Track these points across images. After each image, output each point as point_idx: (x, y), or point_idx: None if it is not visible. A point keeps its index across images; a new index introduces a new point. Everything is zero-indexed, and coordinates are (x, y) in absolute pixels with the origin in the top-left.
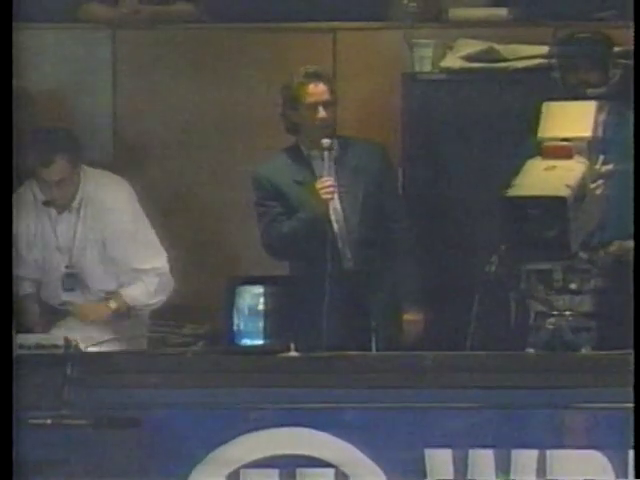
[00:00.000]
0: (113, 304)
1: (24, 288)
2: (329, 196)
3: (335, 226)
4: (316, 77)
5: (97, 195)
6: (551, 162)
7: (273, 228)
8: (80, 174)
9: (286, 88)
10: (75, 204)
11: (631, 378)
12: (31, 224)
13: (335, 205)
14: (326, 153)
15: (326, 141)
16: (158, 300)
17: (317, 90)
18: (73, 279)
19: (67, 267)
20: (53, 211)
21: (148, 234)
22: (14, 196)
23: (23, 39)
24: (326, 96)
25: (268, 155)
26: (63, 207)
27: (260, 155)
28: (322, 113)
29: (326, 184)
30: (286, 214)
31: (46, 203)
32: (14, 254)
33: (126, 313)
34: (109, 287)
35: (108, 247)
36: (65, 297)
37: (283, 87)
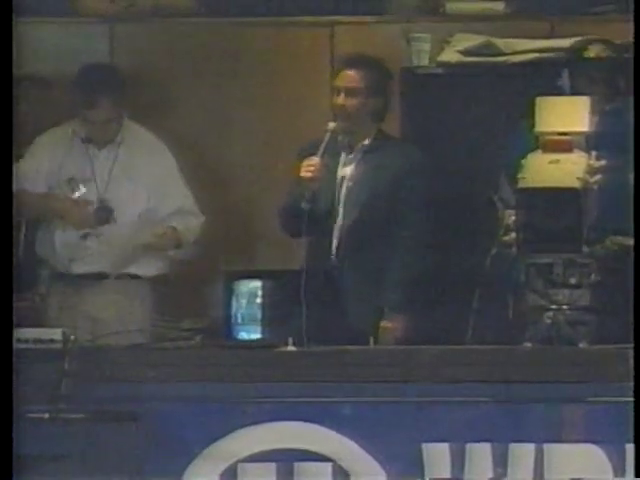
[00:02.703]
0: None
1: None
2: (307, 174)
3: (339, 218)
4: (348, 64)
5: (136, 135)
6: (553, 156)
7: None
8: (123, 114)
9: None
10: (117, 140)
11: (630, 372)
12: (65, 159)
13: (341, 196)
14: (327, 135)
15: (331, 124)
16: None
17: (340, 76)
18: (106, 212)
19: (101, 200)
20: (92, 147)
21: (178, 178)
22: (50, 132)
23: (23, 33)
24: (347, 83)
25: (253, 155)
26: (104, 143)
27: (249, 153)
28: (338, 99)
29: (307, 162)
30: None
31: (87, 140)
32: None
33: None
34: (139, 224)
35: (142, 186)
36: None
37: None
